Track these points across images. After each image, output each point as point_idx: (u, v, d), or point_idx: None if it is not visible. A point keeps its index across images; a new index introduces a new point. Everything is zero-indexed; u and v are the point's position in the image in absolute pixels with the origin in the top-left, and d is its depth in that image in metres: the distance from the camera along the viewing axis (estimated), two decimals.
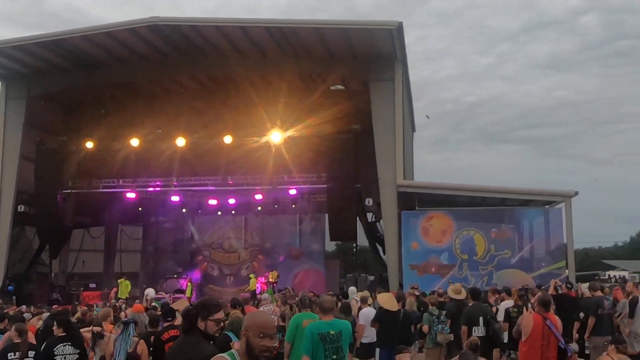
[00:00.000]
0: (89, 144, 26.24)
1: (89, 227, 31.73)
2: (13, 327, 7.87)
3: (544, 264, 23.05)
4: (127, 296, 22.65)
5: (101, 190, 27.64)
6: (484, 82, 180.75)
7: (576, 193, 22.64)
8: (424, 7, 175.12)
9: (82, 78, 26.67)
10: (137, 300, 16.96)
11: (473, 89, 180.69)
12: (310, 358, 6.47)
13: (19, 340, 7.60)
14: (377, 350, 10.86)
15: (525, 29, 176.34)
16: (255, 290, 26.56)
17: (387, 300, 10.99)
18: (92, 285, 28.95)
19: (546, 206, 24.56)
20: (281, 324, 10.58)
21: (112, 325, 9.53)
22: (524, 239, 24.06)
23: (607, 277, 50.32)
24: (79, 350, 7.45)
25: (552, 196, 24.11)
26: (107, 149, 26.59)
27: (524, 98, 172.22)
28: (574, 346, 10.44)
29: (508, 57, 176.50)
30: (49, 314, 11.98)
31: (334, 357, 6.37)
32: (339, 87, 27.54)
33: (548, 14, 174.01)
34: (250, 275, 29.29)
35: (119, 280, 25.77)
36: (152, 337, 7.94)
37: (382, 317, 10.85)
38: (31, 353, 7.46)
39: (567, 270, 22.31)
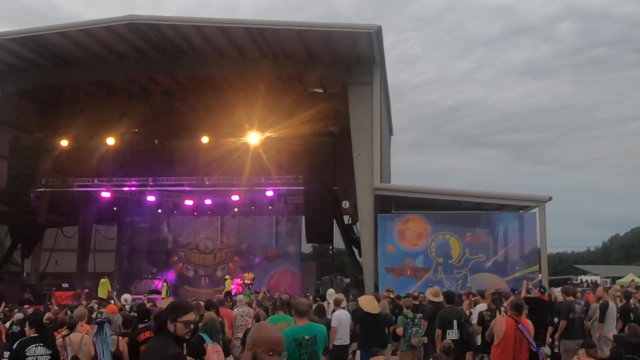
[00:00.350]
0: (64, 142, 25.93)
1: (63, 226, 31.34)
2: None
3: (518, 268, 23.26)
4: (106, 296, 22.40)
5: (76, 189, 27.27)
6: (461, 86, 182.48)
7: (550, 198, 22.92)
8: (402, 11, 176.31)
9: (57, 75, 26.38)
10: (111, 301, 16.84)
11: (451, 93, 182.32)
12: None
13: None
14: (359, 352, 10.83)
15: (503, 35, 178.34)
16: (230, 292, 26.46)
17: (368, 302, 10.95)
18: (65, 285, 28.52)
19: (521, 211, 24.85)
20: None
21: (89, 326, 9.44)
22: (498, 243, 24.31)
23: (579, 281, 50.93)
24: (50, 351, 7.36)
25: (526, 201, 24.39)
26: (82, 148, 26.30)
27: (501, 103, 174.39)
28: (546, 350, 10.57)
29: (485, 62, 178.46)
30: (21, 314, 11.84)
31: None
32: (318, 89, 27.56)
33: (525, 20, 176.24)
34: (226, 277, 29.12)
35: (101, 280, 25.40)
36: (127, 338, 7.91)
37: (364, 320, 10.83)
38: (7, 354, 7.37)
39: (540, 275, 22.57)
